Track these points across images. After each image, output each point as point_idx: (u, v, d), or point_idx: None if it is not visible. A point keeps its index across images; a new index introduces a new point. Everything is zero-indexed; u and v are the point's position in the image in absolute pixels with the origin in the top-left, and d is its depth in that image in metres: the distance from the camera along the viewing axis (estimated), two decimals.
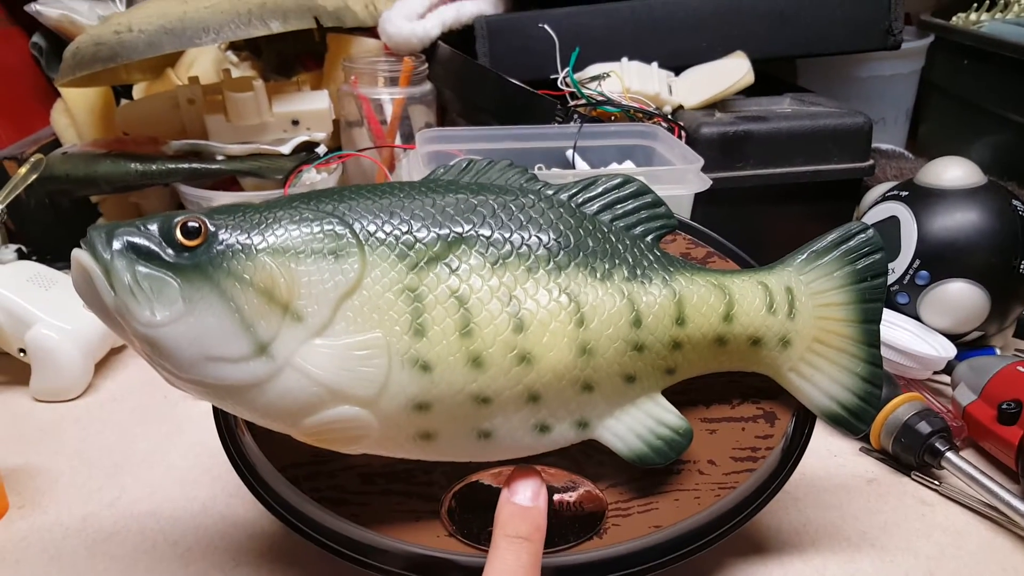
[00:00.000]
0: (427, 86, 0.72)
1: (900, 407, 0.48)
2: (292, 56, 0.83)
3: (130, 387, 0.58)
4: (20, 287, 0.56)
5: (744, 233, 0.42)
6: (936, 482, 0.47)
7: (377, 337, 0.30)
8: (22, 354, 0.56)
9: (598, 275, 0.33)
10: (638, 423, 0.34)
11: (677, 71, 0.67)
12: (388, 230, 0.31)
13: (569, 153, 0.58)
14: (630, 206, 0.35)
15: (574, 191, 0.35)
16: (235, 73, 0.76)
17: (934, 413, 0.48)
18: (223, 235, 0.30)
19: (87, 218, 0.73)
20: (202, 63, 0.78)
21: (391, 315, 0.30)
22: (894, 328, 0.55)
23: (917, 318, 0.57)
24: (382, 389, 0.30)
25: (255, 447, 0.37)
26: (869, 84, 0.84)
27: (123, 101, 0.79)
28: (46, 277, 0.59)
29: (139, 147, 0.67)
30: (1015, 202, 0.56)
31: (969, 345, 0.57)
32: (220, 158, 0.64)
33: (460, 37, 0.73)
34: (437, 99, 0.74)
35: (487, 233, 0.32)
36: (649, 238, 0.35)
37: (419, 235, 0.31)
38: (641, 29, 0.68)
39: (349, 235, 0.31)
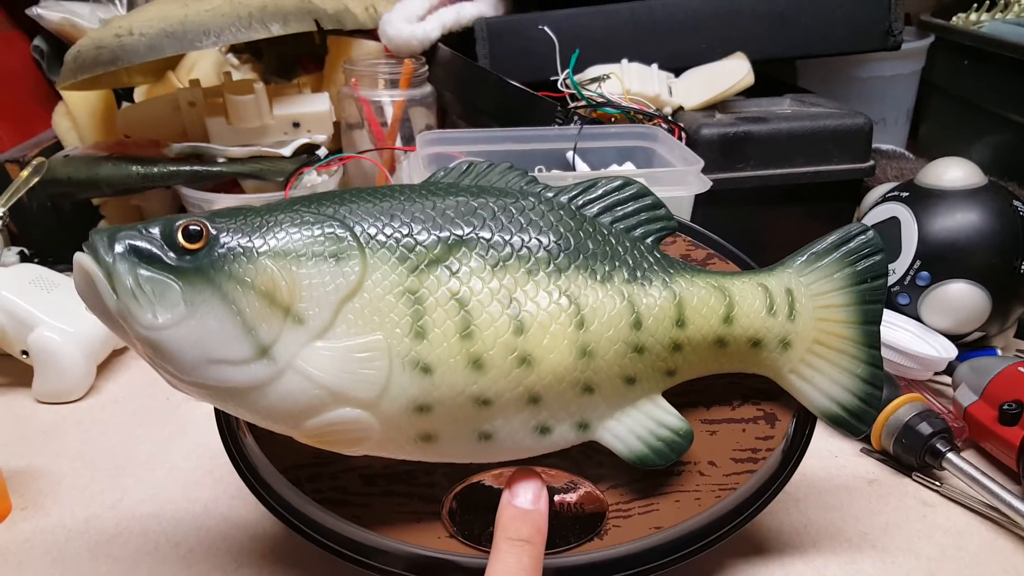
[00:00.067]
0: (427, 88, 0.72)
1: (901, 408, 0.48)
2: (292, 59, 0.83)
3: (132, 389, 0.58)
4: (22, 290, 0.56)
5: (744, 234, 0.42)
6: (937, 483, 0.47)
7: (378, 339, 0.30)
8: (24, 356, 0.56)
9: (598, 277, 0.33)
10: (638, 424, 0.34)
11: (677, 72, 0.67)
12: (389, 233, 0.31)
13: (569, 155, 0.59)
14: (630, 208, 0.35)
15: (574, 193, 0.35)
16: (236, 76, 0.76)
17: (935, 414, 0.48)
18: (224, 238, 0.30)
19: (89, 221, 0.73)
20: (203, 66, 0.78)
21: (392, 317, 0.30)
22: (895, 329, 0.55)
23: (918, 319, 0.57)
24: (383, 391, 0.30)
25: (257, 449, 0.37)
26: (869, 85, 0.84)
27: (124, 104, 0.80)
28: (48, 280, 0.59)
29: (140, 150, 0.67)
30: (1016, 203, 0.56)
31: (970, 346, 0.57)
32: (221, 160, 0.65)
33: (460, 39, 0.73)
34: (437, 101, 0.74)
35: (487, 236, 0.32)
36: (649, 240, 0.35)
37: (420, 238, 0.31)
38: (641, 31, 0.68)
39: (350, 238, 0.31)
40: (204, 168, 0.64)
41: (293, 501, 0.37)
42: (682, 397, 0.36)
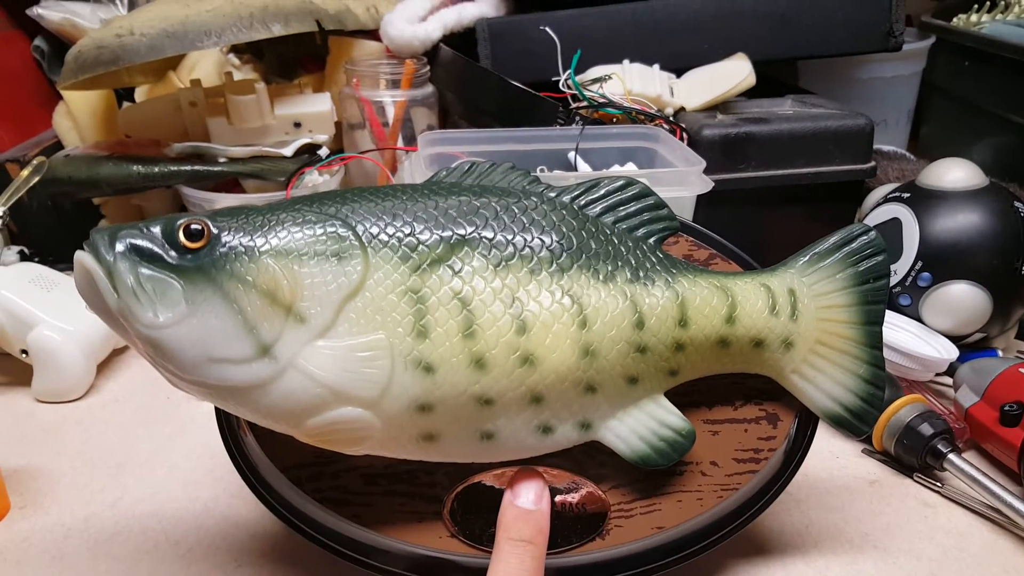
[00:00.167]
0: (429, 88, 0.72)
1: (902, 409, 0.48)
2: (294, 59, 0.83)
3: (132, 388, 0.58)
4: (22, 289, 0.56)
5: (746, 235, 0.42)
6: (938, 484, 0.47)
7: (380, 339, 0.30)
8: (24, 355, 0.56)
9: (601, 277, 0.33)
10: (640, 424, 0.34)
11: (679, 73, 0.67)
12: (391, 232, 0.31)
13: (571, 155, 0.58)
14: (632, 208, 0.35)
15: (576, 193, 0.35)
16: (237, 76, 0.76)
17: (936, 415, 0.48)
18: (226, 237, 0.30)
19: (89, 220, 0.73)
20: (204, 66, 0.78)
21: (394, 317, 0.30)
22: (896, 330, 0.55)
23: (919, 320, 0.57)
24: (385, 390, 0.30)
25: (257, 448, 0.37)
26: (870, 86, 0.84)
27: (125, 104, 0.80)
28: (48, 279, 0.59)
29: (141, 149, 0.67)
30: (1017, 204, 0.56)
31: (971, 347, 0.57)
32: (222, 160, 0.64)
33: (462, 40, 0.73)
34: (439, 101, 0.74)
35: (490, 235, 0.32)
36: (652, 240, 0.35)
37: (422, 237, 0.31)
38: (643, 31, 0.68)
39: (352, 237, 0.31)
40: (205, 168, 0.64)
41: (294, 500, 0.37)
42: (684, 397, 0.36)
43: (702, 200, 0.54)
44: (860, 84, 0.84)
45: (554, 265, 0.32)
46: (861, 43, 0.70)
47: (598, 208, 0.35)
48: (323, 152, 0.67)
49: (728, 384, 0.38)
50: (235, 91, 0.65)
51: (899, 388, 0.50)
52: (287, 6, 0.64)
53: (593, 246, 0.33)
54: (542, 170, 0.58)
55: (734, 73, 0.63)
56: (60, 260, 0.65)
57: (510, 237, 0.32)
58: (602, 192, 0.35)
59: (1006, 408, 0.46)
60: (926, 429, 0.47)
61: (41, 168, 0.60)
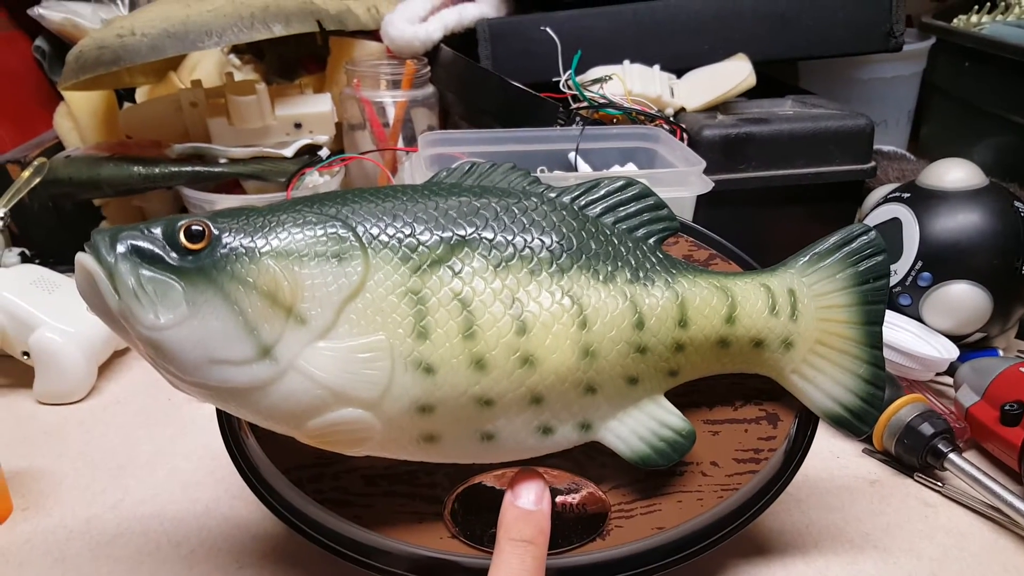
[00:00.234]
0: (429, 89, 0.72)
1: (903, 408, 0.48)
2: (294, 59, 0.83)
3: (133, 390, 0.58)
4: (24, 290, 0.56)
5: (746, 235, 0.42)
6: (939, 483, 0.47)
7: (380, 340, 0.30)
8: (26, 357, 0.56)
9: (601, 277, 0.33)
10: (641, 425, 0.34)
11: (679, 73, 0.67)
12: (391, 233, 0.31)
13: (571, 156, 0.59)
14: (632, 209, 0.35)
15: (577, 194, 0.35)
16: (238, 76, 0.76)
17: (937, 414, 0.48)
18: (227, 238, 0.30)
19: (90, 221, 0.73)
20: (205, 66, 0.79)
21: (394, 318, 0.30)
22: (896, 329, 0.55)
23: (919, 319, 0.57)
24: (385, 391, 0.30)
25: (258, 449, 0.37)
26: (871, 86, 0.84)
27: (126, 104, 0.80)
28: (49, 280, 0.59)
29: (142, 150, 0.67)
30: (1017, 203, 0.56)
31: (971, 346, 0.57)
32: (223, 161, 0.65)
33: (462, 40, 0.73)
34: (439, 102, 0.74)
35: (490, 236, 0.32)
36: (651, 240, 0.35)
37: (422, 238, 0.31)
38: (643, 32, 0.68)
39: (352, 238, 0.31)
40: (206, 169, 0.64)
41: (295, 501, 0.37)
42: (684, 397, 0.36)
43: (702, 200, 0.54)
44: (860, 84, 0.84)
45: (554, 266, 0.32)
46: (861, 43, 0.70)
47: (598, 208, 0.35)
48: (324, 153, 0.67)
49: (728, 384, 0.38)
50: (236, 92, 0.65)
51: (899, 388, 0.50)
52: (288, 6, 0.64)
53: (593, 247, 0.33)
54: (542, 170, 0.58)
55: (734, 73, 0.64)
56: (61, 262, 0.65)
57: (510, 238, 0.32)
58: (602, 192, 0.35)
59: (1006, 407, 0.46)
60: (926, 429, 0.47)
61: (42, 169, 0.60)
